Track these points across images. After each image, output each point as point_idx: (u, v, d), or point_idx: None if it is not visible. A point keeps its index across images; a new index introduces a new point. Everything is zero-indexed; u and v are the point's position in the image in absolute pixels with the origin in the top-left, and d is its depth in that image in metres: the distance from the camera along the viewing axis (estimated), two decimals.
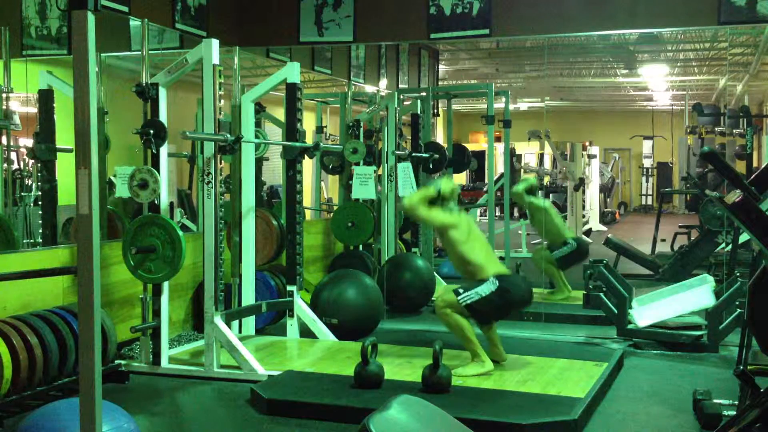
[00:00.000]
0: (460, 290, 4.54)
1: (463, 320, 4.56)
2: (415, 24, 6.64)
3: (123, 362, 4.86)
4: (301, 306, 5.57)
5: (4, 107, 5.16)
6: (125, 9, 5.60)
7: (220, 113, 4.81)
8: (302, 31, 6.88)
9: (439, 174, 9.23)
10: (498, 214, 9.37)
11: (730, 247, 6.84)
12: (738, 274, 5.65)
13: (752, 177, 3.37)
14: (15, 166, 5.42)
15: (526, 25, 6.49)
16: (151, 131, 4.69)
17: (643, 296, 5.94)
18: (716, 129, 9.62)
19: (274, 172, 8.02)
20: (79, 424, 2.44)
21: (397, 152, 7.07)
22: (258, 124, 6.33)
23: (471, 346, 4.59)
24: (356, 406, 3.89)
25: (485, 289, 4.52)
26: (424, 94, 8.52)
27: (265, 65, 7.55)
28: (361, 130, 7.21)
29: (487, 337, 4.80)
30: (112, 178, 5.51)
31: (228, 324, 4.92)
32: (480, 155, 9.40)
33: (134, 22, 5.71)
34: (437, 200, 4.76)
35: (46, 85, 5.30)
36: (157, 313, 4.82)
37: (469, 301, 4.49)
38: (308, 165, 7.44)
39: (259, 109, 6.49)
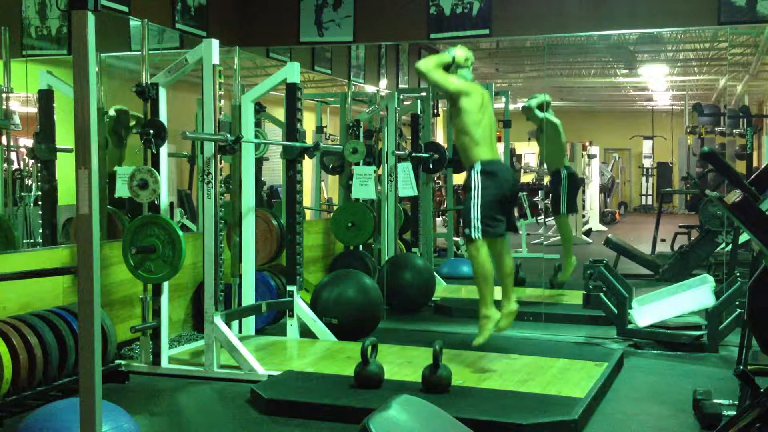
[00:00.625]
0: (466, 230, 4.68)
1: (488, 263, 4.69)
2: (415, 24, 6.65)
3: (123, 362, 4.85)
4: (301, 306, 5.57)
5: (4, 107, 5.16)
6: (125, 9, 5.61)
7: (220, 113, 4.81)
8: (302, 31, 6.89)
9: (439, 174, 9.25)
10: None
11: (730, 247, 6.84)
12: (738, 274, 5.65)
13: (752, 177, 3.37)
14: (15, 166, 5.42)
15: (526, 25, 6.50)
16: (151, 131, 4.69)
17: (643, 296, 5.94)
18: (716, 129, 9.62)
19: (274, 172, 8.02)
20: (79, 424, 2.44)
21: (397, 152, 7.07)
22: (258, 124, 6.33)
23: (484, 290, 4.70)
24: (356, 406, 3.89)
25: (473, 200, 4.63)
26: (424, 94, 8.52)
27: (265, 65, 7.55)
28: (361, 130, 7.21)
29: (501, 279, 4.93)
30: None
31: (228, 324, 4.92)
32: None
33: (134, 22, 5.71)
34: (451, 66, 4.74)
35: (46, 85, 5.30)
36: (157, 313, 4.82)
37: (478, 230, 4.62)
38: (308, 165, 7.44)
39: (259, 109, 6.49)
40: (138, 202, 4.83)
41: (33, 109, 5.35)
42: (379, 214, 7.04)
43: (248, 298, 5.56)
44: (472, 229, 4.64)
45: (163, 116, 4.80)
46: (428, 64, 4.73)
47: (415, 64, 4.86)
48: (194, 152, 6.75)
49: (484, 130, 4.71)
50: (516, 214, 10.35)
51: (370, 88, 8.63)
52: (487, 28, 6.40)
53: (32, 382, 4.10)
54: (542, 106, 7.24)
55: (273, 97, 6.45)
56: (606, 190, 13.33)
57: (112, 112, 5.79)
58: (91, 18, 2.37)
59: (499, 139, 9.17)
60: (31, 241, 5.32)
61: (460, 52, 4.76)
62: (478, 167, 4.68)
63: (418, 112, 7.80)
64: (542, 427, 3.70)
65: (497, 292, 4.94)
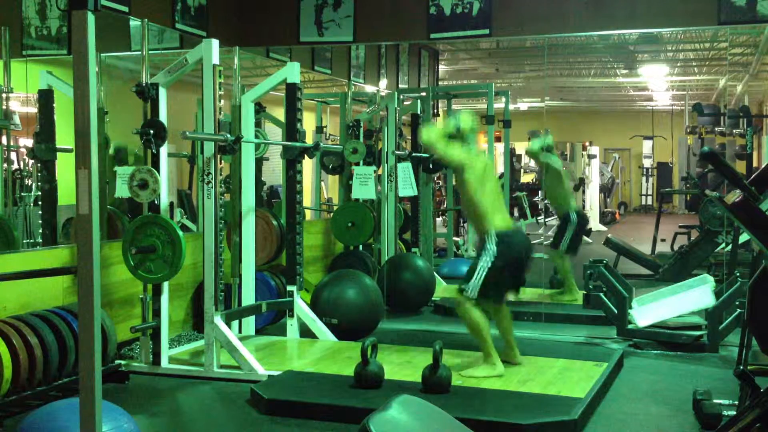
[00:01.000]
0: (462, 285, 4.53)
1: (481, 319, 4.53)
2: (415, 24, 6.64)
3: (123, 362, 4.86)
4: (301, 306, 5.57)
5: (4, 107, 5.16)
6: (125, 9, 5.60)
7: (220, 113, 4.81)
8: (302, 31, 6.88)
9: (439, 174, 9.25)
10: None
11: (730, 247, 6.84)
12: (738, 274, 5.65)
13: (752, 177, 3.37)
14: (15, 166, 5.42)
15: (526, 25, 6.49)
16: (151, 131, 4.69)
17: (643, 296, 5.94)
18: (716, 129, 9.62)
19: (274, 172, 8.02)
20: (79, 424, 2.44)
21: (397, 152, 7.07)
22: (258, 124, 6.33)
23: (485, 347, 4.56)
24: (356, 406, 3.89)
25: (484, 265, 4.49)
26: (424, 94, 8.53)
27: (265, 65, 7.55)
28: (361, 130, 7.21)
29: (503, 338, 4.79)
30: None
31: (228, 324, 4.92)
32: None
33: (134, 22, 5.71)
34: (456, 136, 4.70)
35: (46, 85, 5.30)
36: (157, 313, 4.82)
37: (475, 290, 4.47)
38: (308, 165, 7.44)
39: (259, 109, 6.49)
40: (138, 202, 4.83)
41: (33, 109, 5.35)
42: (379, 214, 7.04)
43: (248, 298, 5.56)
44: (470, 288, 4.49)
45: (163, 116, 4.80)
46: (432, 136, 4.68)
47: (419, 136, 4.80)
48: (194, 152, 6.75)
49: (490, 198, 4.63)
50: (516, 214, 10.36)
51: (370, 88, 8.63)
52: (487, 28, 6.39)
53: (32, 382, 4.10)
54: (547, 149, 7.21)
55: (273, 97, 6.45)
56: (606, 190, 13.34)
57: (111, 151, 5.79)
58: (91, 18, 2.37)
59: (498, 139, 9.21)
60: (31, 241, 5.32)
61: (465, 123, 4.72)
62: (492, 236, 4.53)
63: (418, 112, 7.80)
64: (542, 427, 3.70)
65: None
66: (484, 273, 4.48)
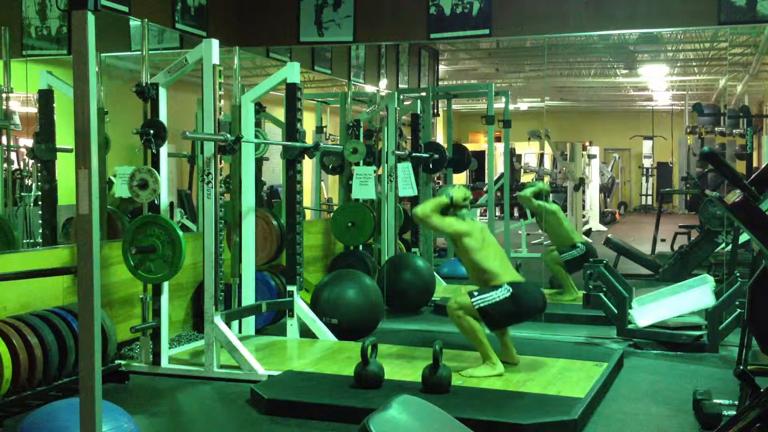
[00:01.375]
0: (475, 293, 4.52)
1: (475, 323, 4.54)
2: (415, 24, 6.64)
3: (123, 362, 4.86)
4: (301, 306, 5.57)
5: (4, 107, 5.16)
6: (125, 9, 5.60)
7: (220, 113, 4.81)
8: (302, 31, 6.88)
9: (439, 174, 9.24)
10: (498, 214, 9.38)
11: (730, 247, 6.84)
12: (738, 274, 5.65)
13: (752, 177, 3.37)
14: (15, 166, 5.42)
15: (526, 25, 6.49)
16: (151, 131, 4.69)
17: (643, 296, 5.94)
18: (716, 129, 9.62)
19: (274, 172, 8.02)
20: (79, 424, 2.44)
21: (397, 152, 7.07)
22: (258, 124, 6.33)
23: (482, 349, 4.57)
24: (356, 406, 3.89)
25: (499, 294, 4.50)
26: (424, 94, 8.52)
27: (265, 65, 7.55)
28: (361, 130, 7.21)
29: (499, 339, 4.79)
30: (112, 178, 5.51)
31: (228, 324, 4.92)
32: (480, 155, 9.40)
33: (134, 22, 5.71)
34: (449, 208, 4.74)
35: (46, 85, 5.30)
36: (157, 313, 4.82)
37: (482, 305, 4.47)
38: (308, 165, 7.44)
39: (259, 109, 6.49)
40: (137, 202, 4.83)
41: (33, 109, 5.35)
42: (379, 214, 7.04)
43: (248, 298, 5.56)
44: (480, 300, 4.49)
45: (163, 116, 4.80)
46: (425, 210, 4.71)
47: (412, 212, 4.82)
48: (194, 152, 6.75)
49: (494, 258, 4.67)
50: (516, 213, 10.37)
51: (370, 88, 8.63)
52: (487, 28, 6.39)
53: (32, 382, 4.10)
54: (538, 195, 7.25)
55: (273, 97, 6.45)
56: (606, 190, 13.35)
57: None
58: (91, 18, 2.37)
59: (498, 139, 9.21)
60: (31, 241, 5.32)
61: (459, 193, 4.74)
62: (506, 288, 4.53)
63: (418, 112, 7.79)
64: (542, 427, 3.70)
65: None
66: (499, 300, 4.50)
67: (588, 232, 10.73)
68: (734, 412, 3.35)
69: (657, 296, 5.90)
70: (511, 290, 4.52)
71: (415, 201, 7.72)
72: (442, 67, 9.91)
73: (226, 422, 4.11)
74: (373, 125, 7.87)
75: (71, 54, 2.41)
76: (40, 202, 5.31)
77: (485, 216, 9.72)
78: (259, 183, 6.36)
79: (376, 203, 7.10)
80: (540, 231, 9.68)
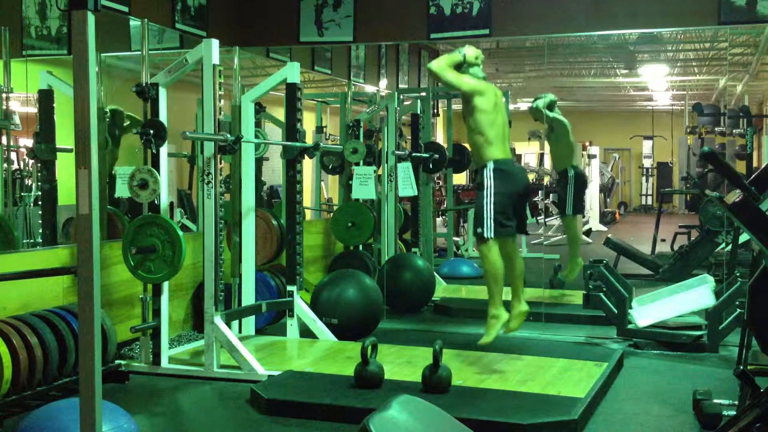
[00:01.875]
0: (478, 229, 4.65)
1: (500, 263, 4.68)
2: (415, 24, 6.64)
3: (123, 362, 4.86)
4: (301, 306, 5.57)
5: (4, 107, 5.16)
6: (125, 9, 5.61)
7: (220, 113, 4.81)
8: (302, 31, 6.89)
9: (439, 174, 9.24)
10: None
11: (730, 247, 6.84)
12: (738, 274, 5.65)
13: (752, 177, 3.37)
14: (15, 166, 5.42)
15: (526, 25, 6.49)
16: (151, 131, 4.69)
17: (643, 296, 5.94)
18: (716, 129, 9.62)
19: (274, 172, 8.02)
20: (79, 424, 2.44)
21: (397, 152, 7.07)
22: (258, 124, 6.33)
23: (494, 291, 4.70)
24: (356, 406, 3.89)
25: (487, 198, 4.60)
26: (424, 94, 8.52)
27: (265, 65, 7.55)
28: (361, 130, 7.21)
29: (511, 281, 4.90)
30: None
31: (228, 324, 4.92)
32: None
33: (134, 22, 5.71)
34: (463, 66, 4.76)
35: (46, 85, 5.30)
36: (157, 313, 4.82)
37: (490, 226, 4.59)
38: (308, 165, 7.44)
39: (259, 109, 6.49)
40: (138, 202, 4.83)
41: (33, 109, 5.34)
42: (379, 214, 7.03)
43: (248, 298, 5.56)
44: (485, 228, 4.64)
45: (163, 116, 4.80)
46: (440, 64, 4.77)
47: (427, 65, 4.89)
48: (194, 152, 6.75)
49: (497, 129, 4.72)
50: (528, 214, 10.37)
51: (370, 88, 8.63)
52: (487, 28, 6.40)
53: (32, 382, 4.10)
54: (550, 106, 7.23)
55: (273, 97, 6.45)
56: (606, 190, 13.34)
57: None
58: (91, 18, 2.37)
59: None
60: (31, 241, 5.32)
61: (471, 51, 4.81)
62: (491, 166, 4.68)
63: (418, 112, 7.79)
64: (542, 427, 3.70)
65: (506, 293, 4.93)
66: (492, 207, 4.59)
67: (588, 232, 10.73)
68: (734, 412, 3.36)
69: (657, 296, 5.90)
70: (492, 183, 4.62)
71: (415, 201, 7.73)
72: None
73: (226, 422, 4.11)
74: (373, 125, 7.87)
75: (71, 54, 2.41)
76: (40, 202, 5.31)
77: None
78: (259, 183, 6.36)
79: (376, 203, 7.09)
80: (540, 231, 9.69)
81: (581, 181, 7.28)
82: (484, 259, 4.73)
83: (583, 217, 11.32)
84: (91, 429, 2.42)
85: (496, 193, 4.64)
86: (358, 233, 6.95)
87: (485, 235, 4.64)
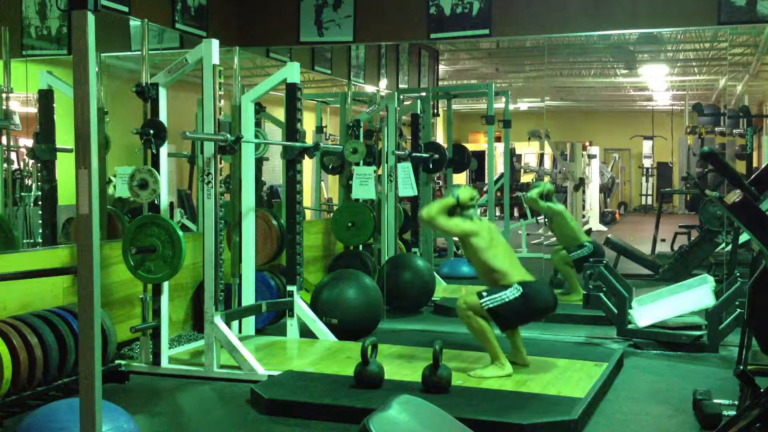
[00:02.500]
0: (484, 294, 4.51)
1: (484, 323, 4.53)
2: (415, 24, 6.65)
3: (123, 362, 4.86)
4: (301, 306, 5.57)
5: (4, 107, 5.16)
6: (125, 9, 5.61)
7: (220, 113, 4.81)
8: (302, 31, 6.89)
9: (439, 174, 9.24)
10: (498, 214, 9.38)
11: (730, 247, 6.84)
12: (738, 274, 5.65)
13: (752, 177, 3.37)
14: (15, 166, 5.42)
15: (526, 25, 6.49)
16: (151, 131, 4.69)
17: (643, 296, 5.94)
18: (716, 129, 9.63)
19: (274, 172, 8.02)
20: (79, 424, 2.44)
21: (397, 152, 7.07)
22: (258, 124, 6.33)
23: (491, 349, 4.56)
24: (356, 406, 3.89)
25: (509, 294, 4.48)
26: (424, 94, 8.53)
27: (265, 65, 7.55)
28: (361, 130, 7.21)
29: (510, 340, 4.78)
30: (112, 177, 5.51)
31: (228, 324, 4.92)
32: (480, 155, 9.41)
33: (134, 22, 5.71)
34: (456, 209, 4.74)
35: (46, 85, 5.30)
36: (157, 313, 4.82)
37: (492, 305, 4.46)
38: (308, 165, 7.44)
39: (259, 109, 6.49)
40: (138, 202, 4.83)
41: (33, 109, 5.35)
42: (379, 214, 7.03)
43: (248, 298, 5.56)
44: (489, 300, 4.48)
45: (163, 116, 4.80)
46: (431, 212, 4.68)
47: (419, 214, 4.80)
48: (194, 152, 6.75)
49: (504, 257, 4.65)
50: (516, 213, 10.37)
51: (370, 88, 8.63)
52: (487, 28, 6.40)
53: (32, 382, 4.10)
54: (547, 195, 7.24)
55: (273, 97, 6.45)
56: (606, 190, 13.34)
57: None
58: (91, 18, 2.37)
59: (498, 139, 9.21)
60: (31, 241, 5.32)
61: (465, 194, 4.72)
62: (516, 287, 4.51)
63: (418, 112, 7.80)
64: (542, 427, 3.70)
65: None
66: (509, 300, 4.48)
67: (588, 232, 10.73)
68: (734, 412, 3.35)
69: (657, 296, 5.90)
70: (521, 290, 4.50)
71: (415, 201, 7.73)
72: (442, 67, 9.91)
73: (226, 422, 4.11)
74: (373, 125, 7.87)
75: (71, 54, 2.41)
76: (40, 202, 5.31)
77: (485, 216, 9.73)
78: (259, 183, 6.36)
79: (376, 203, 7.10)
80: (540, 231, 9.70)
81: (598, 254, 7.03)
82: (467, 322, 4.54)
83: (583, 217, 11.34)
84: (91, 429, 2.42)
85: (519, 299, 4.48)
86: (358, 233, 6.95)
87: (484, 303, 4.46)
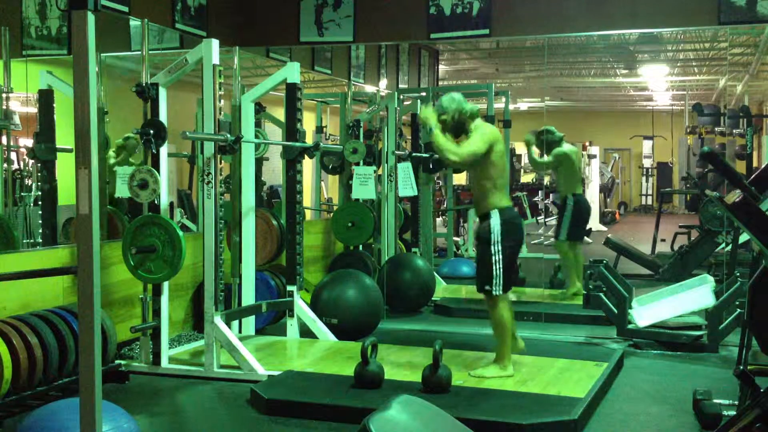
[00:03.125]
0: (486, 286, 4.53)
1: (510, 318, 4.58)
2: (415, 24, 6.65)
3: (123, 362, 4.86)
4: (301, 306, 5.57)
5: (4, 107, 5.16)
6: (125, 9, 5.60)
7: (220, 113, 4.81)
8: (302, 31, 6.89)
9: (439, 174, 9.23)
10: None
11: (730, 247, 6.84)
12: (738, 274, 5.65)
13: (752, 177, 3.37)
14: (15, 166, 5.42)
15: (526, 25, 6.49)
16: (151, 131, 4.69)
17: (643, 296, 5.94)
18: (716, 129, 9.62)
19: (274, 172, 8.02)
20: (79, 424, 2.44)
21: (397, 152, 7.07)
22: (258, 124, 6.33)
23: (503, 347, 4.57)
24: (356, 406, 3.89)
25: (495, 253, 4.50)
26: (424, 94, 8.52)
27: (265, 65, 7.55)
28: (361, 130, 7.21)
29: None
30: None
31: (228, 324, 4.92)
32: None
33: (134, 22, 5.71)
34: (467, 121, 4.61)
35: (46, 85, 5.30)
36: (157, 313, 4.82)
37: (500, 284, 4.50)
38: (308, 165, 7.44)
39: (259, 109, 6.49)
40: (138, 202, 4.83)
41: (33, 109, 5.34)
42: (379, 214, 7.03)
43: (248, 298, 5.56)
44: (494, 286, 4.51)
45: (163, 116, 4.80)
46: (452, 150, 4.50)
47: (446, 159, 4.59)
48: (194, 152, 6.75)
49: (506, 176, 4.66)
50: (528, 214, 10.36)
51: (370, 88, 8.63)
52: (487, 28, 6.40)
53: (32, 382, 4.10)
54: (557, 143, 7.21)
55: (273, 97, 6.45)
56: (606, 190, 13.34)
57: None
58: (91, 18, 2.37)
59: None
60: (31, 241, 5.32)
61: (466, 104, 4.63)
62: (497, 216, 4.52)
63: (418, 112, 7.79)
64: (542, 427, 3.70)
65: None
66: (501, 264, 4.51)
67: (588, 232, 10.73)
68: (734, 412, 3.35)
69: (657, 296, 5.90)
70: (500, 229, 4.51)
71: (415, 201, 7.73)
72: (442, 67, 9.91)
73: (226, 422, 4.11)
74: (373, 125, 7.87)
75: (71, 54, 2.41)
76: (40, 202, 5.31)
77: None
78: (259, 183, 6.36)
79: (376, 203, 7.10)
80: (540, 231, 9.70)
81: (581, 210, 7.17)
82: (494, 312, 4.57)
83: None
84: (91, 429, 2.42)
85: (504, 248, 4.50)
86: (358, 233, 6.95)
87: (494, 292, 4.52)
